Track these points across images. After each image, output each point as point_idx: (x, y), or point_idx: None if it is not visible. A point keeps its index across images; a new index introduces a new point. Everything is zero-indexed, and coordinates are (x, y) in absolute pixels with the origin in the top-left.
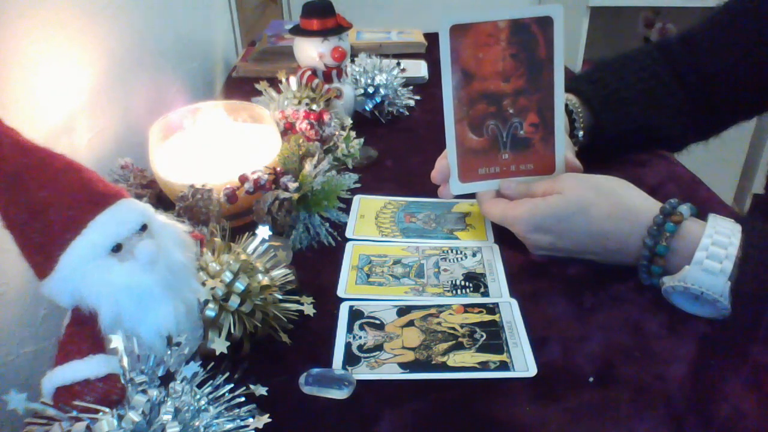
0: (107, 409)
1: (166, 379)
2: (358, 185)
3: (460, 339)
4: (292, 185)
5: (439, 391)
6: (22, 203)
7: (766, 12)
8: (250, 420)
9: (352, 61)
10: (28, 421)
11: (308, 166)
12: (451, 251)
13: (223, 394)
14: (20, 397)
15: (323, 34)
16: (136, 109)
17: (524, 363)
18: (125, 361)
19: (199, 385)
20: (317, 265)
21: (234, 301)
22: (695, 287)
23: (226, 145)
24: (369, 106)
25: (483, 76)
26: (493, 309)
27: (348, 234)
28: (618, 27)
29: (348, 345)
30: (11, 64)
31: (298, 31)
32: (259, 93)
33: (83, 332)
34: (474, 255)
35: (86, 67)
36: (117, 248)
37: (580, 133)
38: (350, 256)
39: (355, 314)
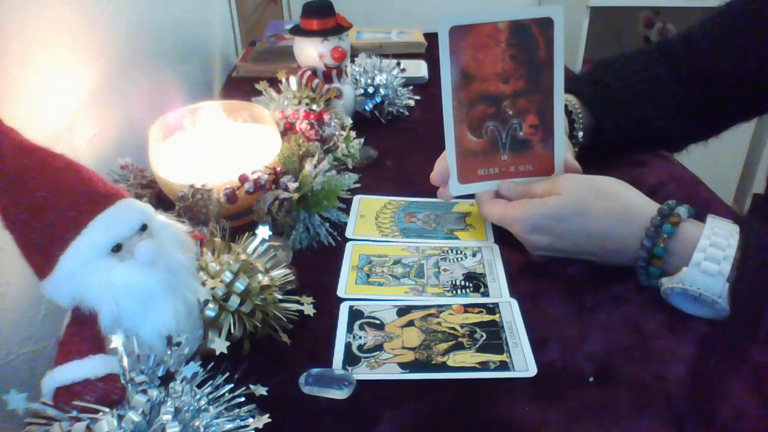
0: (107, 409)
1: (166, 379)
2: (358, 185)
3: (460, 339)
4: (292, 185)
5: (439, 391)
6: (22, 203)
7: (766, 13)
8: (250, 420)
9: (352, 61)
10: (28, 421)
11: (308, 166)
12: (451, 251)
13: (223, 394)
14: (20, 397)
15: (323, 34)
16: (136, 109)
17: (524, 363)
18: (125, 361)
19: (199, 385)
20: (317, 265)
21: (234, 301)
22: (693, 289)
23: (226, 145)
24: (369, 106)
25: (482, 77)
26: (493, 309)
27: (348, 234)
28: (618, 27)
29: (348, 345)
30: (12, 65)
31: (298, 31)
32: (259, 93)
33: (83, 332)
34: (474, 255)
35: (86, 67)
36: (117, 248)
37: (580, 134)
38: (350, 256)
39: (355, 314)
